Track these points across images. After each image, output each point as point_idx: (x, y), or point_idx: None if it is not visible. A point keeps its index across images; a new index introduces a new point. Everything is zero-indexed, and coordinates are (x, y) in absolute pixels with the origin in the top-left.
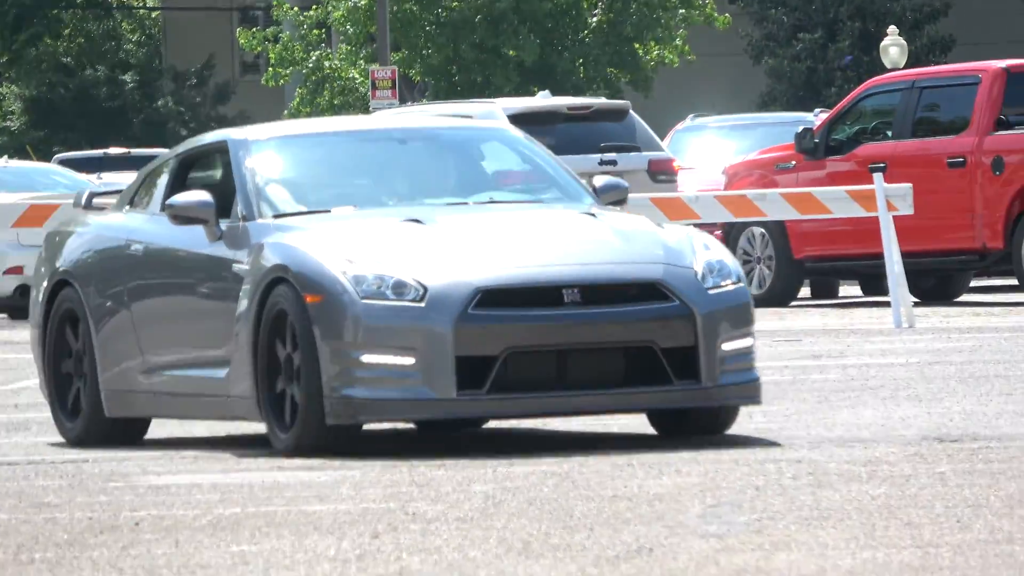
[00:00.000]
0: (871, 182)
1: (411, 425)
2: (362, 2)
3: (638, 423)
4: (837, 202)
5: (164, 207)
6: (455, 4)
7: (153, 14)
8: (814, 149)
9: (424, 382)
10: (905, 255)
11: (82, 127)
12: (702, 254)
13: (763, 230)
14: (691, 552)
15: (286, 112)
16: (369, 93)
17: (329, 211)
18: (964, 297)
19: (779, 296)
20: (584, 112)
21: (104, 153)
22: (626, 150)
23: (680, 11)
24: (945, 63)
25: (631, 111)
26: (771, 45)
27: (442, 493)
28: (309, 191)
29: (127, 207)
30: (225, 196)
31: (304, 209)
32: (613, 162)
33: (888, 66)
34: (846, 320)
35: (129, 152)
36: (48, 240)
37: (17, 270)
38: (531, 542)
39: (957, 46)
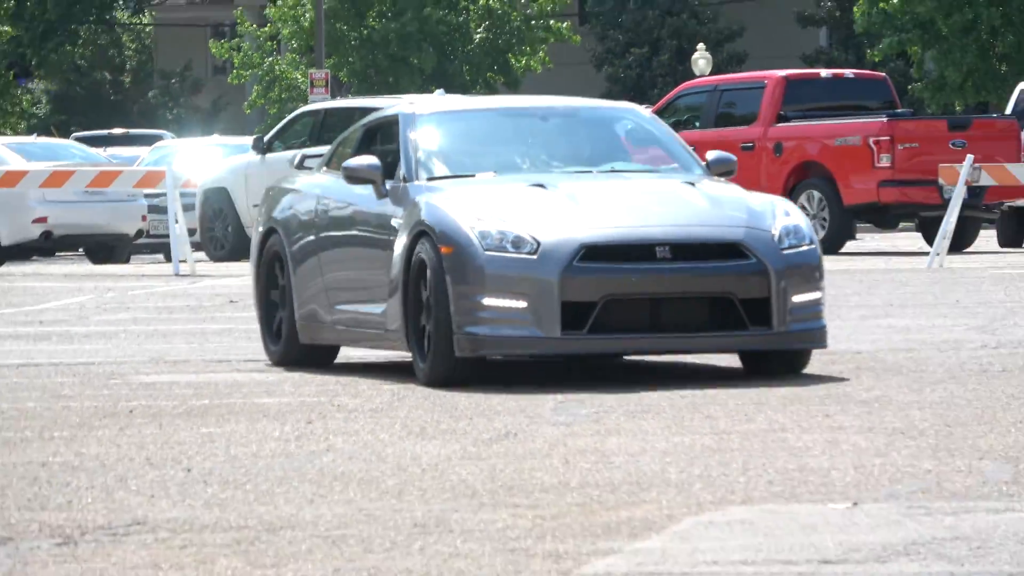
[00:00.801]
0: None
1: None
2: (304, 23)
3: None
4: None
5: (342, 169)
6: (373, 23)
7: (147, 28)
8: None
9: (534, 323)
10: None
11: (93, 114)
12: (781, 219)
13: None
14: (545, 436)
15: (246, 104)
16: (308, 90)
17: (473, 175)
18: None
19: None
20: None
21: (109, 133)
22: None
23: (541, 33)
24: (740, 72)
25: None
26: (609, 56)
27: (360, 390)
28: (459, 158)
29: (324, 168)
30: (396, 161)
31: (452, 173)
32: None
33: (697, 74)
34: None
35: (128, 132)
36: (265, 194)
37: (43, 219)
38: (426, 427)
39: (749, 59)
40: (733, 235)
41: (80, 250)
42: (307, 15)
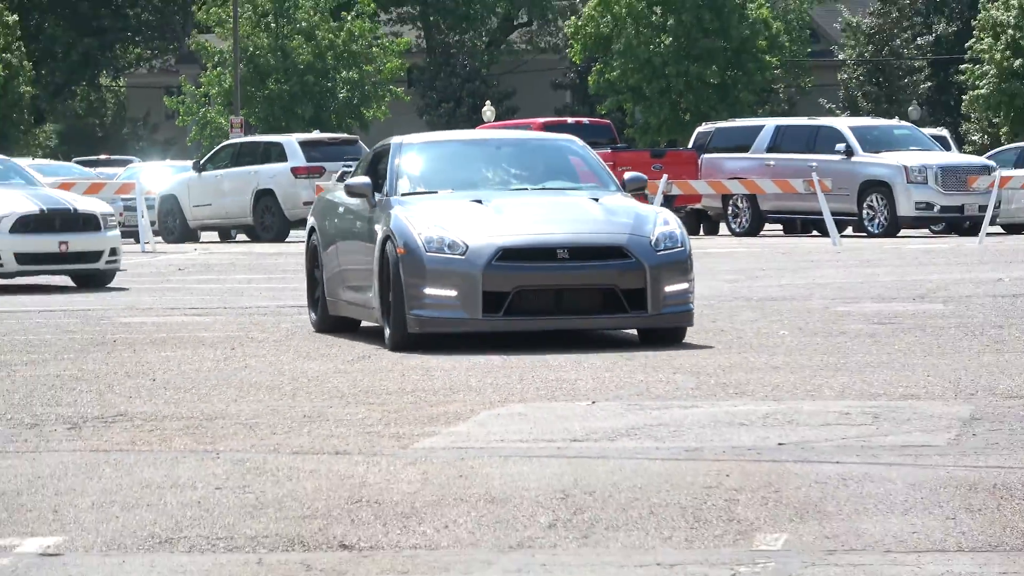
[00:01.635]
0: None
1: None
2: (226, 85)
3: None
4: None
5: (344, 185)
6: (272, 86)
7: (122, 88)
8: None
9: (462, 307)
10: None
11: (86, 145)
12: (660, 227)
13: None
14: (390, 358)
15: (188, 139)
16: (229, 130)
17: (436, 192)
18: None
19: None
20: (336, 141)
21: (97, 158)
22: (356, 160)
23: (383, 93)
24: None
25: (360, 141)
26: (428, 108)
27: (266, 328)
28: (429, 177)
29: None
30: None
31: (420, 190)
32: (349, 166)
33: (485, 121)
34: None
35: (110, 157)
36: (316, 200)
37: None
38: (311, 352)
39: (520, 111)
40: (618, 240)
41: None
42: (227, 81)
